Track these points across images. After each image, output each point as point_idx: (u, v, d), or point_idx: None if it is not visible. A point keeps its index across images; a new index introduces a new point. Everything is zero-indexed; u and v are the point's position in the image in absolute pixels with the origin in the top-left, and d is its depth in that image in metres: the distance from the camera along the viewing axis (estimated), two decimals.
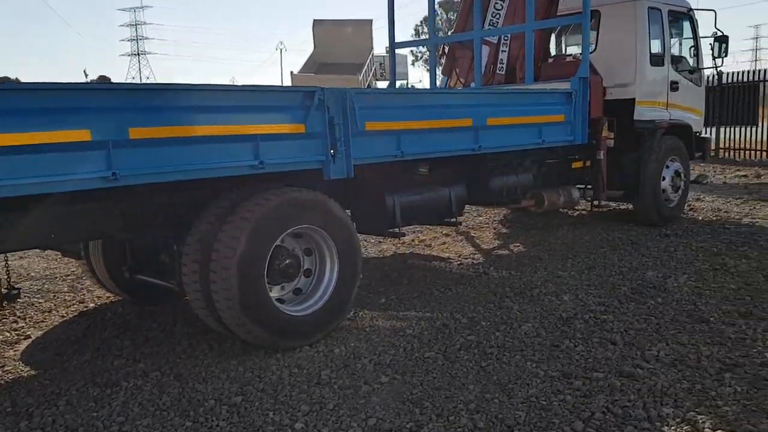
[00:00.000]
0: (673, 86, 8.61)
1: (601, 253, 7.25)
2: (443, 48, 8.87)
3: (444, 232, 8.78)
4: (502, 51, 8.26)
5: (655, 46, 8.51)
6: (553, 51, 9.29)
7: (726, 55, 8.79)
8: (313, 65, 26.72)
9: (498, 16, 8.18)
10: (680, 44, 9.23)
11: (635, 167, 8.27)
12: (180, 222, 4.36)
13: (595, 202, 8.09)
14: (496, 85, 8.31)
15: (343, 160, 4.67)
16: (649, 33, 8.20)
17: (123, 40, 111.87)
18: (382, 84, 29.01)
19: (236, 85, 4.56)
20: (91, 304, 5.95)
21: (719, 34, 8.85)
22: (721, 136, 16.69)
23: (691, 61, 9.18)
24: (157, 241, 4.59)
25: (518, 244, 7.96)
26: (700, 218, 9.03)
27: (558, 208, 7.99)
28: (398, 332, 4.85)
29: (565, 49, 9.51)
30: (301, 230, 4.61)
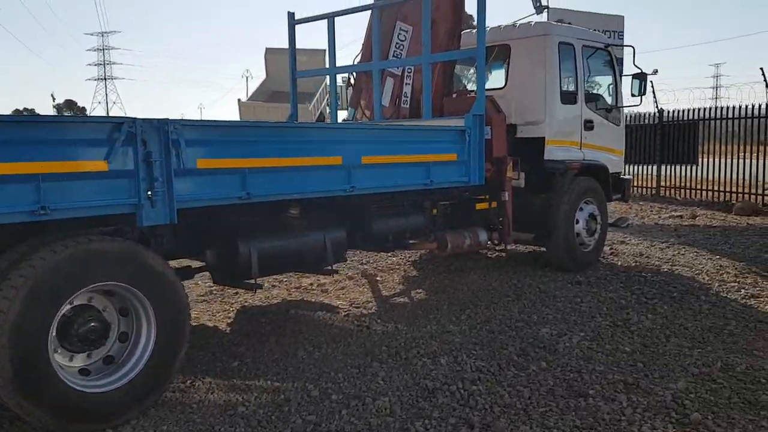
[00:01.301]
0: (588, 125, 8.17)
1: (503, 303, 6.65)
2: (350, 78, 8.32)
3: (348, 274, 8.12)
4: (406, 84, 7.73)
5: (568, 83, 8.09)
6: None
7: (644, 93, 8.40)
8: (263, 93, 26.07)
9: (401, 47, 7.66)
10: (597, 81, 8.86)
11: (547, 209, 7.76)
12: None
13: (501, 246, 7.52)
14: (401, 119, 7.75)
15: (164, 203, 3.98)
16: (560, 69, 7.76)
17: (90, 65, 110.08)
18: (342, 114, 28.74)
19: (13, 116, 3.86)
20: None
21: (638, 71, 8.48)
22: (665, 173, 16.49)
23: (609, 100, 8.79)
24: None
25: (421, 291, 7.33)
26: (619, 263, 8.54)
27: (465, 250, 7.40)
28: (228, 410, 4.12)
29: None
30: (108, 287, 3.89)
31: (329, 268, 5.56)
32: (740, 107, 14.85)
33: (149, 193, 3.90)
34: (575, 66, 8.00)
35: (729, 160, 14.62)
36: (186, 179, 4.09)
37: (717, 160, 15.05)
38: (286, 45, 7.87)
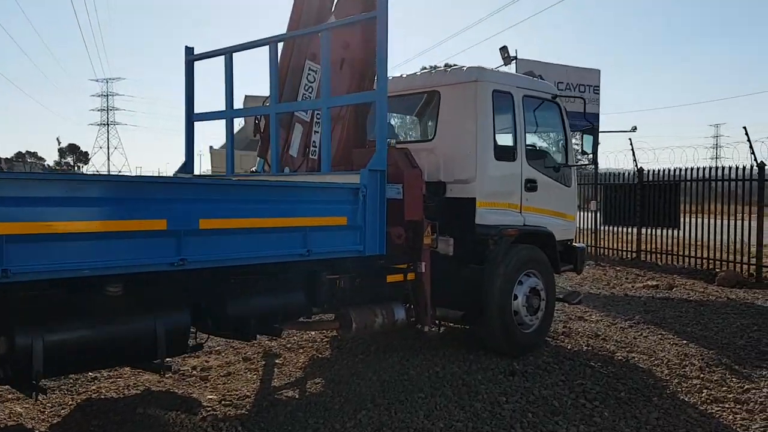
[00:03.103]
0: (530, 185, 7.05)
1: (411, 402, 5.39)
2: (259, 124, 7.25)
3: (246, 354, 6.88)
4: (315, 132, 6.66)
5: (505, 137, 7.03)
6: None
7: (595, 150, 7.33)
8: (240, 141, 25.32)
9: (311, 89, 6.62)
10: (544, 137, 7.80)
11: (478, 283, 6.57)
12: None
13: (419, 327, 6.28)
14: (308, 171, 6.65)
15: None
16: (494, 120, 6.70)
17: (93, 110, 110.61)
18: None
19: None
20: None
21: (589, 125, 7.44)
22: (646, 236, 15.28)
23: (559, 157, 7.71)
24: None
25: (320, 380, 6.07)
26: (569, 347, 7.28)
27: (376, 331, 6.17)
28: None
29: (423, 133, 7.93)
30: None
31: (158, 361, 4.33)
32: (723, 168, 13.83)
33: None
34: (514, 118, 6.94)
35: (717, 222, 13.43)
36: None
37: (703, 221, 13.85)
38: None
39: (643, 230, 15.33)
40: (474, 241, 6.64)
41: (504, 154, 6.84)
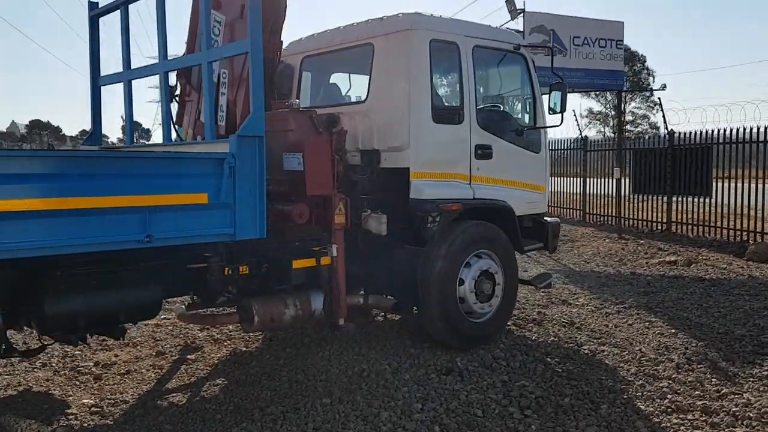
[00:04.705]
0: (482, 152, 6.05)
1: (308, 411, 4.59)
2: (174, 88, 6.43)
3: (163, 347, 6.21)
4: (222, 94, 5.80)
5: (448, 96, 6.04)
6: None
7: (564, 109, 6.24)
8: None
9: (216, 44, 5.74)
10: (505, 95, 6.75)
11: (412, 266, 5.67)
12: None
13: (332, 321, 5.44)
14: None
15: None
16: (432, 76, 5.70)
17: (150, 87, 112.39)
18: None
19: None
20: None
21: (558, 80, 6.34)
22: (678, 206, 13.87)
23: (526, 119, 6.64)
24: None
25: (222, 382, 5.33)
26: (534, 337, 6.31)
27: (288, 323, 5.37)
28: None
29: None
30: None
31: None
32: (759, 129, 12.27)
33: None
34: (461, 72, 5.92)
35: (753, 189, 11.97)
36: None
37: (742, 187, 12.37)
38: None
39: (675, 199, 13.96)
40: (410, 219, 5.73)
41: (446, 115, 5.86)
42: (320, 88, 6.83)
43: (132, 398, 4.97)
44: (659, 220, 14.50)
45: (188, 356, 5.93)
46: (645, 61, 52.63)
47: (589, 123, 52.27)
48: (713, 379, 5.12)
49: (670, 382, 5.07)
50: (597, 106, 52.27)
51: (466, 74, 5.92)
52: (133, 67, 5.96)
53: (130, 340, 6.42)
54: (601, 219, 15.84)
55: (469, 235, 5.85)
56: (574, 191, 17.26)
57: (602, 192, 15.83)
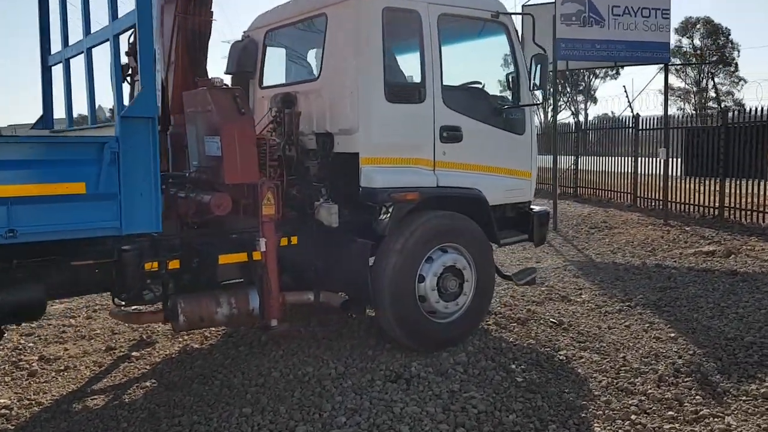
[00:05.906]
0: (449, 134, 5.41)
1: (211, 424, 4.19)
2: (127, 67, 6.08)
3: (114, 342, 5.94)
4: (157, 71, 5.38)
5: (406, 72, 5.44)
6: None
7: (545, 85, 5.53)
8: None
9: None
10: (481, 70, 6.06)
11: (363, 260, 5.14)
12: None
13: (264, 321, 4.98)
14: None
15: None
16: (384, 49, 5.11)
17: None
18: None
19: None
20: None
21: (541, 51, 5.62)
22: (731, 190, 12.64)
23: (507, 95, 5.95)
24: None
25: (151, 383, 4.98)
26: (511, 339, 5.67)
27: (221, 322, 4.97)
28: None
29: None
30: None
31: None
32: None
33: None
34: (422, 44, 5.30)
35: None
36: None
37: None
38: None
39: (729, 182, 12.74)
40: (361, 209, 5.21)
41: (403, 94, 5.26)
42: (283, 65, 6.35)
43: (50, 400, 4.69)
44: (711, 204, 13.31)
45: (134, 353, 5.63)
46: (729, 35, 49.71)
47: (674, 99, 49.20)
48: (696, 397, 4.39)
49: (643, 398, 4.37)
50: (677, 82, 49.43)
51: (429, 46, 5.30)
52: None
53: (89, 332, 6.22)
54: (652, 203, 14.70)
55: (430, 228, 5.26)
56: (625, 172, 16.11)
57: (654, 173, 14.67)
